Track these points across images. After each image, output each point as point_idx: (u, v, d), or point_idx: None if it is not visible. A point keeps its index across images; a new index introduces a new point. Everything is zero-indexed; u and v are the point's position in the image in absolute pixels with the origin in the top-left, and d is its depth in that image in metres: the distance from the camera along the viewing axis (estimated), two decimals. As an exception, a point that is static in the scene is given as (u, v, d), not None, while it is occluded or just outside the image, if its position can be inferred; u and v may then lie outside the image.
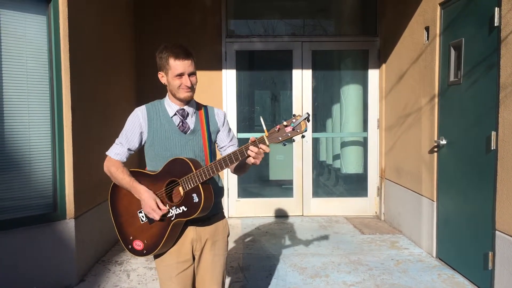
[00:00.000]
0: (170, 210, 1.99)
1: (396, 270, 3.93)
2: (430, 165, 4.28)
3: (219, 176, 2.23)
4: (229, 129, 2.28)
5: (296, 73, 5.89)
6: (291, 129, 1.78)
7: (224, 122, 2.24)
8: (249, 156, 1.85)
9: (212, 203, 2.00)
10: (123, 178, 2.07)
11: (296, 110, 5.86)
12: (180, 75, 2.02)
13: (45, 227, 3.45)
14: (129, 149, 2.14)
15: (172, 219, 1.99)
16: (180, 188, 1.97)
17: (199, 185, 1.92)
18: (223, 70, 5.81)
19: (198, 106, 2.20)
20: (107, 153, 2.16)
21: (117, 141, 2.16)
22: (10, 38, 3.28)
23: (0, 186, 3.26)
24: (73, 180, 3.58)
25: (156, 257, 2.14)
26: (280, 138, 1.80)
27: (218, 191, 2.19)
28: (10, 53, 3.28)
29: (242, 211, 5.95)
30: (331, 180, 6.51)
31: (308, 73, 5.88)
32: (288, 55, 5.91)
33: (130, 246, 2.12)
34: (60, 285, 3.54)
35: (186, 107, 2.13)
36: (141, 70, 5.66)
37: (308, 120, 1.77)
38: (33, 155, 3.43)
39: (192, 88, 2.06)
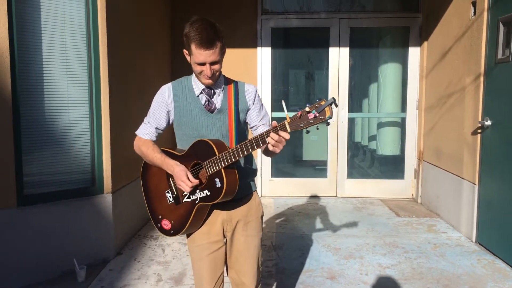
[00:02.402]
0: (195, 192, 1.94)
1: (433, 253, 3.83)
2: (472, 147, 4.11)
3: (252, 156, 2.14)
4: (261, 107, 2.11)
5: (333, 51, 5.74)
6: (313, 116, 1.60)
7: (254, 100, 2.09)
8: (268, 143, 1.73)
9: (237, 187, 1.89)
10: (154, 156, 2.03)
11: (332, 89, 5.73)
12: (201, 64, 1.91)
13: (84, 200, 3.53)
14: (157, 128, 2.09)
15: (196, 202, 1.94)
16: (204, 171, 1.91)
17: (222, 169, 1.83)
18: (258, 48, 5.73)
19: (228, 82, 2.08)
20: (136, 132, 2.14)
21: (145, 120, 2.13)
22: (50, 15, 3.31)
23: (42, 161, 3.34)
24: (110, 155, 3.64)
25: (188, 236, 2.12)
26: (302, 125, 1.61)
27: (249, 173, 2.12)
28: (50, 29, 3.31)
29: (275, 191, 5.93)
30: (366, 161, 6.38)
31: (345, 51, 5.72)
32: (325, 32, 5.76)
33: (159, 225, 2.11)
34: (98, 257, 3.64)
35: (212, 86, 2.03)
36: (176, 46, 5.66)
37: (336, 105, 1.59)
38: (72, 131, 3.49)
39: (213, 76, 1.94)
